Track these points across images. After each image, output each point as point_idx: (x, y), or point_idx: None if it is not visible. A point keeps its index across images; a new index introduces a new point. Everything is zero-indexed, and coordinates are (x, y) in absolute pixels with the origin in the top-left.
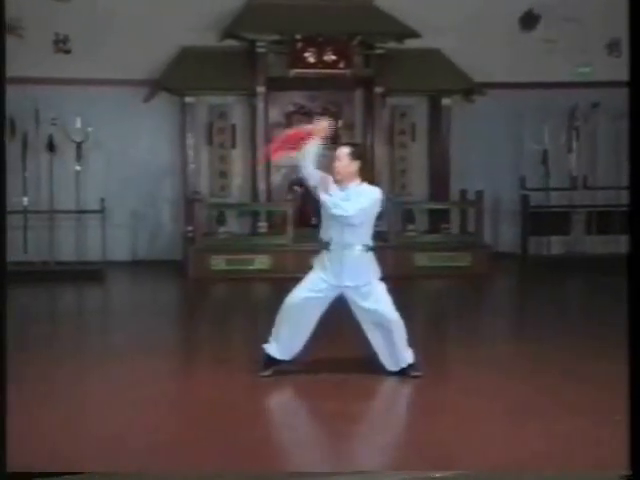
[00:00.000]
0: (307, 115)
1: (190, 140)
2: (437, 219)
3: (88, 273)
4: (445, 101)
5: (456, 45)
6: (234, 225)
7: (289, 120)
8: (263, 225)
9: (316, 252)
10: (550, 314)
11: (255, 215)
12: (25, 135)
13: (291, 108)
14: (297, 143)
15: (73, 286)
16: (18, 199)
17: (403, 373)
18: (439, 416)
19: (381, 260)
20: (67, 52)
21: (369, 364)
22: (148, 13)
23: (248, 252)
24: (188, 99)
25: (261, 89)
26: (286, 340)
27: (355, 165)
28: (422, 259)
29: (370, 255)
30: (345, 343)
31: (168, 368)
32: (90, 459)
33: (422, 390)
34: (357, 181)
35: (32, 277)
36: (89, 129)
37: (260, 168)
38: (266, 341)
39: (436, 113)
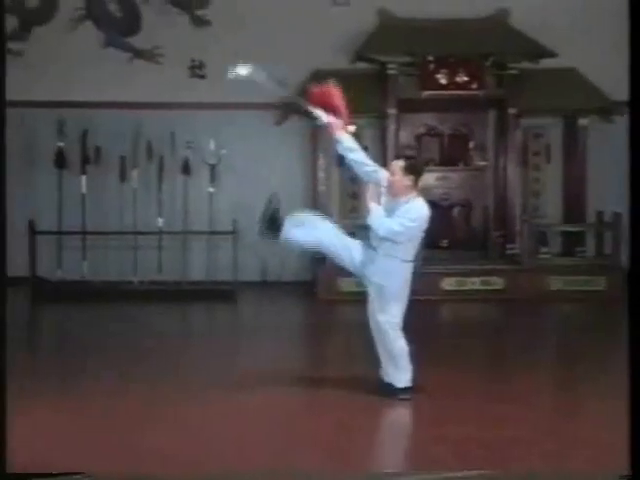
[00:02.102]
0: (438, 136)
1: (321, 161)
2: (572, 242)
3: (219, 293)
4: (582, 121)
5: (593, 63)
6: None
7: (419, 142)
8: None
9: (446, 274)
10: None
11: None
12: (161, 158)
13: (422, 130)
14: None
15: (204, 306)
16: (153, 220)
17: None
18: None
19: (514, 283)
20: (202, 77)
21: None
22: (280, 38)
23: None
24: (319, 121)
25: (392, 111)
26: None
27: (408, 179)
28: (556, 282)
29: (404, 265)
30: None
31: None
32: None
33: None
34: (410, 195)
35: (165, 296)
36: (222, 151)
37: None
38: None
39: (572, 133)
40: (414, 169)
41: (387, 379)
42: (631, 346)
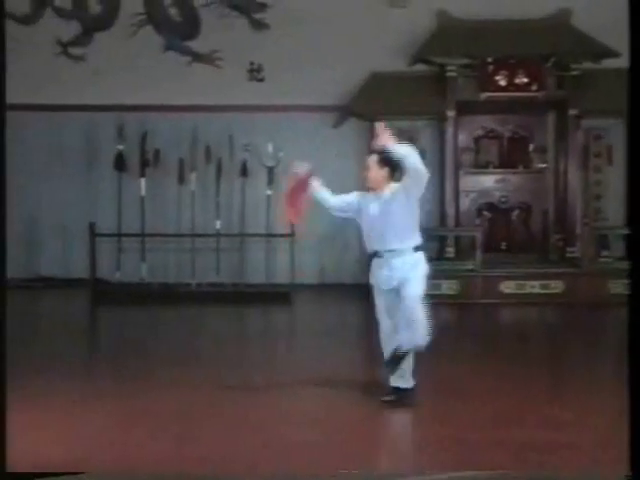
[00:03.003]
0: (497, 139)
1: None
2: None
3: (276, 295)
4: None
5: None
6: None
7: (478, 144)
8: (450, 250)
9: (505, 277)
10: None
11: (442, 240)
12: (220, 160)
13: (480, 132)
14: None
15: (261, 308)
16: (211, 222)
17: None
18: None
19: (574, 287)
20: (260, 80)
21: None
22: (338, 41)
23: (435, 277)
24: (377, 124)
25: (451, 113)
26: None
27: (385, 171)
28: (617, 286)
29: (417, 255)
30: None
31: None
32: None
33: None
34: (389, 186)
35: (223, 298)
36: (280, 154)
37: (449, 192)
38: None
39: None
40: (388, 161)
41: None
42: (631, 348)
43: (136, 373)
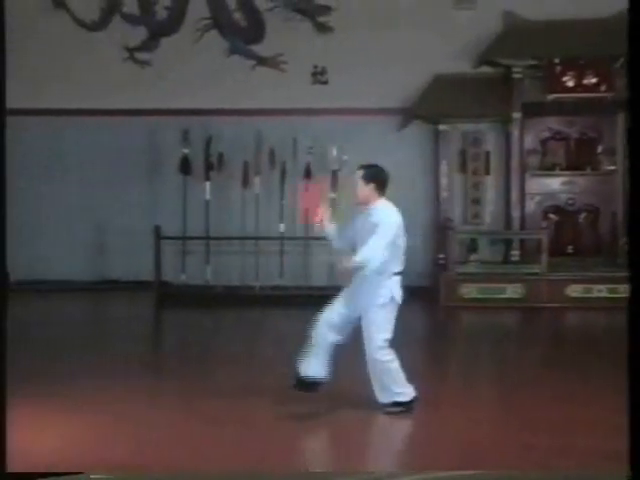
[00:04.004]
0: (564, 140)
1: (443, 167)
2: None
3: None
4: None
5: None
6: (486, 253)
7: (545, 146)
8: (516, 253)
9: (571, 281)
10: None
11: (508, 243)
12: (284, 164)
13: (547, 134)
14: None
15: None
16: (275, 225)
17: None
18: None
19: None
20: (324, 83)
21: None
22: (401, 43)
23: (500, 280)
24: (442, 127)
25: (517, 115)
26: None
27: (371, 187)
28: None
29: (380, 279)
30: None
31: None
32: None
33: None
34: (374, 203)
35: (286, 300)
36: (344, 157)
37: (514, 195)
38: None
39: None
40: (373, 177)
41: (387, 398)
42: (630, 347)
43: (195, 375)
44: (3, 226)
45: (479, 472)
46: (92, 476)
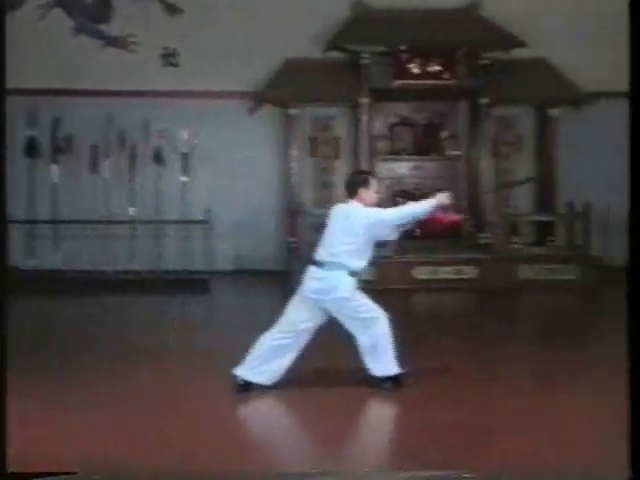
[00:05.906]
0: (410, 126)
1: (294, 151)
2: (543, 232)
3: (193, 282)
4: (552, 112)
5: (563, 53)
6: None
7: (392, 132)
8: None
9: (418, 263)
10: None
11: None
12: (134, 147)
13: (395, 119)
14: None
15: (178, 295)
16: (125, 209)
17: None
18: None
19: (485, 272)
20: (175, 65)
21: None
22: (253, 26)
23: None
24: (292, 111)
25: (364, 100)
26: None
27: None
28: (526, 271)
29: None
30: None
31: None
32: None
33: None
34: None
35: (138, 286)
36: (195, 141)
37: None
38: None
39: (543, 124)
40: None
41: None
42: (630, 345)
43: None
44: (3, 226)
45: (479, 472)
46: (91, 476)
